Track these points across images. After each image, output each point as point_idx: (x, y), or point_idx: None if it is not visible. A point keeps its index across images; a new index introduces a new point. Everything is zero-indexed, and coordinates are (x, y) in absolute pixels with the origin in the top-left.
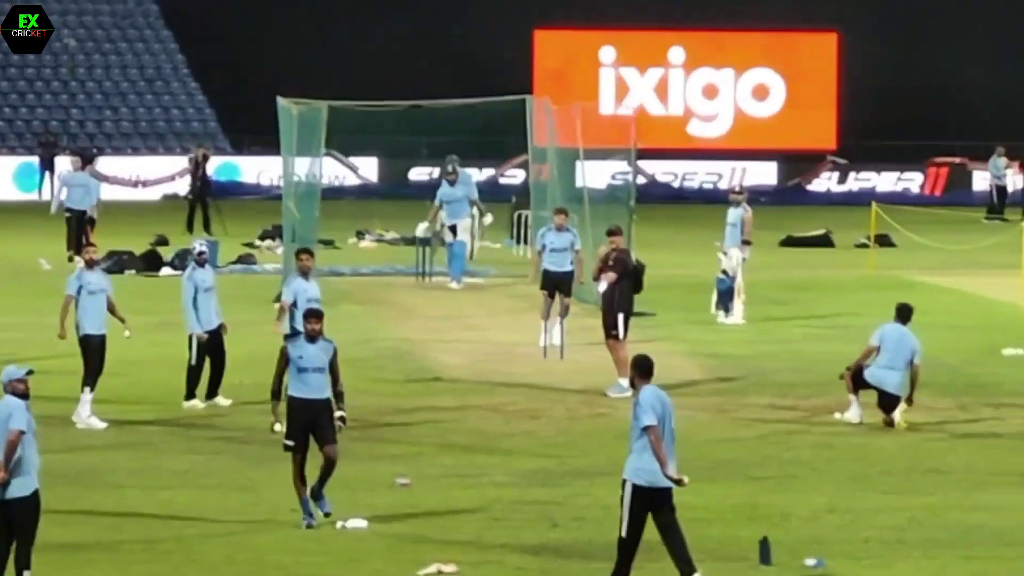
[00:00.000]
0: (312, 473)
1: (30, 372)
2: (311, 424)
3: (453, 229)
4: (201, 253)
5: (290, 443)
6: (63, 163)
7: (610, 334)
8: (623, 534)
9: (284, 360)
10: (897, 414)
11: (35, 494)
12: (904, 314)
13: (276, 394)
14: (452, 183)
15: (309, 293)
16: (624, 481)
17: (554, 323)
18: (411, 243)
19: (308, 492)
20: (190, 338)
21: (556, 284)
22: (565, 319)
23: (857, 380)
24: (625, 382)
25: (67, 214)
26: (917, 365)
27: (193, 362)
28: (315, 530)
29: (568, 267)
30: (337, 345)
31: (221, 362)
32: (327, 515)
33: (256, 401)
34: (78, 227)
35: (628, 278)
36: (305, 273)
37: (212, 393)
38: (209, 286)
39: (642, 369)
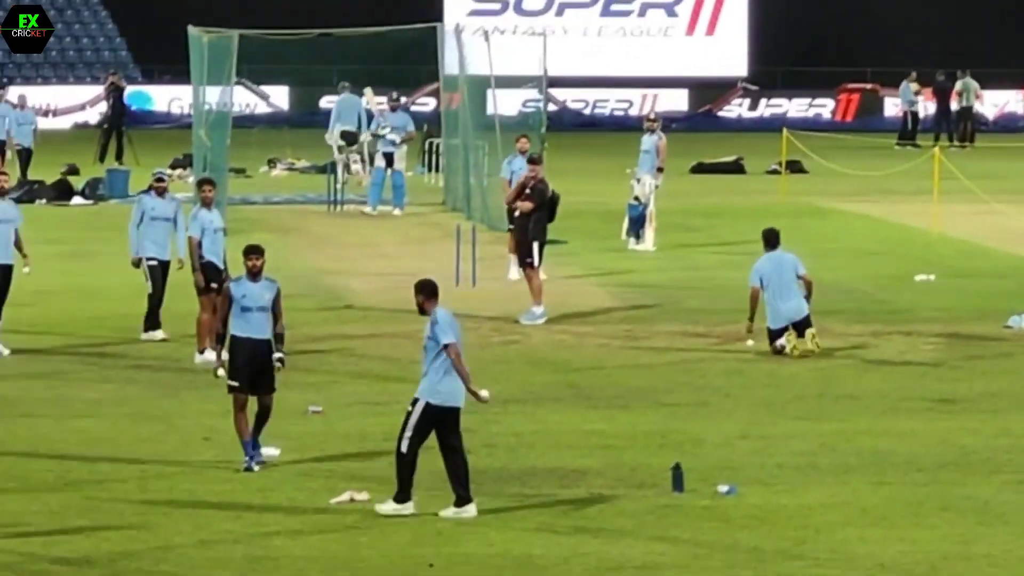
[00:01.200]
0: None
1: None
2: (254, 365)
3: (389, 157)
4: (160, 180)
5: (235, 384)
6: None
7: (524, 262)
8: (404, 450)
9: (227, 301)
10: (808, 338)
11: None
12: (771, 240)
13: (221, 338)
14: (395, 110)
15: (215, 223)
16: (416, 400)
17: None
18: (322, 171)
19: (250, 435)
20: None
21: None
22: None
23: (772, 334)
24: (539, 309)
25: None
26: (805, 275)
27: (150, 290)
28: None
29: None
30: (280, 284)
31: (159, 296)
32: (261, 465)
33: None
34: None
35: (544, 208)
36: (207, 203)
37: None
38: (158, 215)
39: (430, 291)
